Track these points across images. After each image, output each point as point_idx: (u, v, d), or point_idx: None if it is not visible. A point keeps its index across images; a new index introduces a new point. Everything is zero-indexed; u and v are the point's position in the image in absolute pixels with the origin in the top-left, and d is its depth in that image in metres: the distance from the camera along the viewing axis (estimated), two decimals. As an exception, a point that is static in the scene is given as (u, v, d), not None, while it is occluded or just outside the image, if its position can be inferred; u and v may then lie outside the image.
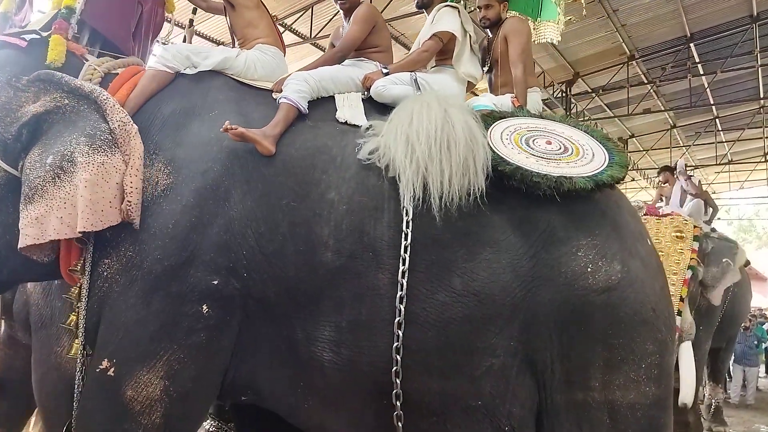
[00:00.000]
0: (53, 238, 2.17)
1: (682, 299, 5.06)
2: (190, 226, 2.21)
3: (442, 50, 3.02)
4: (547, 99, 14.05)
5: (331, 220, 2.21)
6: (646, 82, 14.17)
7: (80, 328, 2.25)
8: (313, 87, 2.62)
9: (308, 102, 2.56)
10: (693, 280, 5.21)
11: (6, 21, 3.03)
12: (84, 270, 2.25)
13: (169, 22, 3.49)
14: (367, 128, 2.42)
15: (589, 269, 2.11)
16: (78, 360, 2.27)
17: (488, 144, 2.31)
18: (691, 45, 12.62)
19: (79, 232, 2.16)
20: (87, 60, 2.65)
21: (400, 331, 2.07)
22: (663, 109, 15.70)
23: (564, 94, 14.11)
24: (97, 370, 2.18)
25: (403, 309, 2.07)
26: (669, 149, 17.87)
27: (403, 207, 2.15)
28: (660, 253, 5.15)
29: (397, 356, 2.08)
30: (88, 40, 2.84)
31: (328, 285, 2.18)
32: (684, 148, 18.95)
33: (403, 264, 2.09)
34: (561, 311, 2.10)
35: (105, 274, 2.25)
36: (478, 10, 3.24)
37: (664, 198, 8.32)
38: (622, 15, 11.20)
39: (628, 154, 18.50)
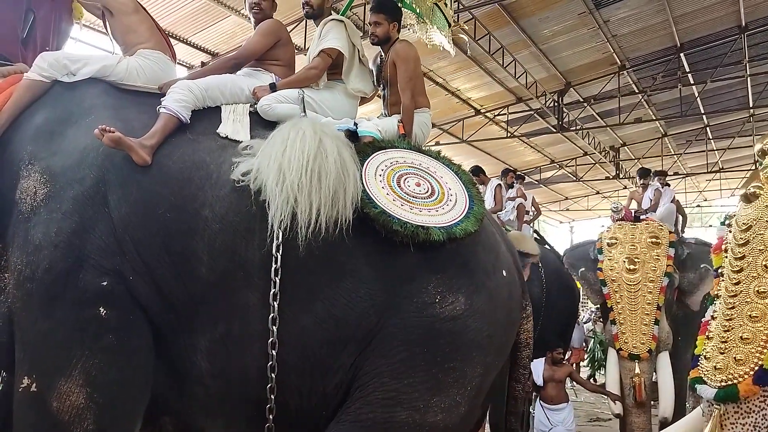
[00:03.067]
0: None
1: (659, 308, 5.08)
2: (71, 232, 2.23)
3: (333, 64, 3.01)
4: (540, 108, 14.20)
5: (205, 236, 2.25)
6: (637, 91, 14.32)
7: None
8: (198, 96, 2.61)
9: (193, 111, 2.56)
10: (669, 288, 5.23)
11: None
12: None
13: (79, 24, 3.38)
14: (245, 147, 2.42)
15: (437, 300, 2.27)
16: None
17: (361, 178, 2.40)
18: (681, 55, 12.77)
19: None
20: None
21: (273, 351, 2.18)
22: (654, 118, 15.87)
23: (556, 104, 14.23)
24: (20, 389, 2.19)
25: (275, 330, 2.18)
26: (660, 157, 18.04)
27: (273, 231, 2.20)
28: (636, 260, 5.22)
29: (272, 374, 2.19)
30: None
31: (203, 298, 2.25)
32: (675, 156, 19.12)
33: (274, 287, 2.19)
34: (408, 334, 2.24)
35: (4, 291, 2.29)
36: (369, 26, 3.22)
37: (635, 202, 8.45)
38: (612, 26, 11.35)
39: (620, 162, 18.68)
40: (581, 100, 14.67)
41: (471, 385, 2.31)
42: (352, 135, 2.74)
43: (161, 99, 2.58)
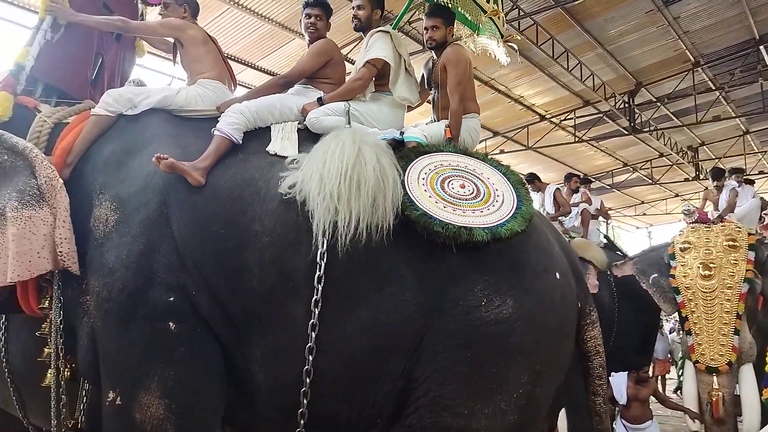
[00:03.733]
0: None
1: (738, 316, 4.70)
2: (140, 254, 2.37)
3: (379, 75, 3.04)
4: (609, 111, 13.78)
5: (256, 250, 2.32)
6: (714, 88, 13.65)
7: (53, 359, 2.49)
8: (249, 118, 2.71)
9: (245, 132, 2.67)
10: (750, 294, 4.82)
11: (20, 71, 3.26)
12: (52, 307, 2.49)
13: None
14: (291, 161, 2.50)
15: (483, 303, 2.22)
16: (52, 389, 2.50)
17: (402, 183, 2.41)
18: (761, 48, 12.07)
19: (9, 281, 2.34)
20: (39, 111, 2.86)
21: (310, 356, 2.22)
22: (734, 115, 15.04)
23: (626, 105, 13.77)
24: (107, 403, 2.34)
25: (314, 335, 2.21)
26: (743, 155, 17.04)
27: (317, 241, 2.26)
28: (711, 265, 4.86)
29: (307, 378, 2.22)
30: (42, 92, 3.07)
31: (256, 310, 2.33)
32: (759, 154, 18.03)
33: (316, 294, 2.22)
34: (452, 338, 2.21)
35: (80, 311, 2.46)
36: (425, 31, 3.24)
37: (711, 204, 7.97)
38: (683, 22, 10.91)
39: (700, 162, 17.79)
40: (654, 99, 14.15)
41: (518, 393, 2.22)
42: (399, 143, 2.77)
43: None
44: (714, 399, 4.64)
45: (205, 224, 2.40)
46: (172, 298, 2.33)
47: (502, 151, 15.40)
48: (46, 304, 2.53)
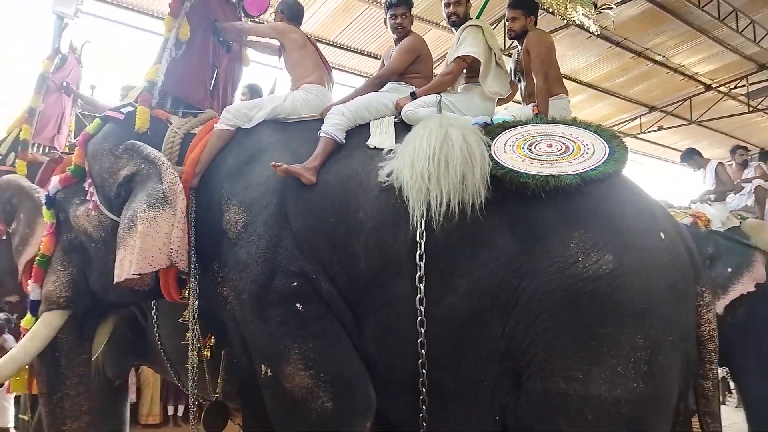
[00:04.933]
0: (124, 279, 2.71)
1: None
2: (266, 249, 2.66)
3: (471, 68, 3.21)
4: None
5: (361, 237, 2.54)
6: None
7: (190, 341, 2.92)
8: (350, 118, 2.96)
9: (346, 131, 2.91)
10: None
11: (44, 81, 3.52)
12: (191, 297, 2.88)
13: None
14: (388, 152, 2.69)
15: (579, 258, 2.18)
16: (190, 367, 2.95)
17: (488, 154, 2.50)
18: None
19: (134, 273, 2.65)
20: (171, 123, 3.18)
21: (422, 329, 2.37)
22: None
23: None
24: (263, 375, 2.67)
25: (423, 309, 2.36)
26: None
27: (415, 221, 2.41)
28: None
29: (422, 350, 2.37)
30: (171, 105, 3.39)
31: (364, 293, 2.54)
32: None
33: (420, 270, 2.37)
34: (549, 298, 2.19)
35: (221, 300, 2.81)
36: (506, 22, 3.38)
37: None
38: None
39: None
40: None
41: (635, 358, 2.11)
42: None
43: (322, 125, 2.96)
44: None
45: (318, 217, 2.66)
46: (295, 283, 2.60)
47: (660, 128, 14.16)
48: (186, 294, 2.92)
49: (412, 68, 3.32)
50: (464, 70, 3.28)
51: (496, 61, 3.22)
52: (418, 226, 2.40)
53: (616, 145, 2.53)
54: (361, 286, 2.55)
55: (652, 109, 13.91)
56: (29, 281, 3.23)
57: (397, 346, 2.49)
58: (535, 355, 2.20)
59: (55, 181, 3.20)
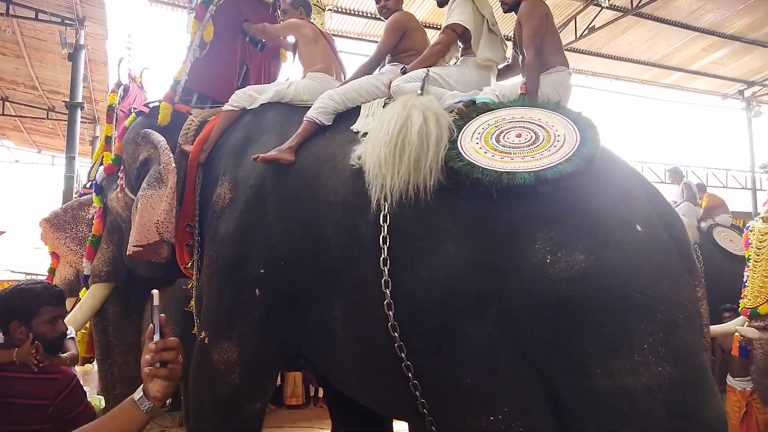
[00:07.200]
0: (132, 252, 3.01)
1: None
2: (243, 228, 2.78)
3: (464, 39, 3.05)
4: None
5: (332, 219, 2.52)
6: None
7: (194, 309, 3.08)
8: (338, 101, 2.94)
9: (339, 114, 2.92)
10: None
11: (113, 111, 3.95)
12: (194, 268, 3.08)
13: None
14: (363, 134, 2.64)
15: (548, 261, 2.05)
16: (197, 334, 3.00)
17: (448, 140, 2.40)
18: None
19: (135, 246, 2.94)
20: (191, 114, 3.44)
21: (390, 312, 2.28)
22: None
23: None
24: (199, 339, 2.86)
25: (389, 292, 2.29)
26: None
27: (379, 205, 2.35)
28: None
29: (395, 333, 2.28)
30: (197, 101, 3.64)
31: (336, 274, 2.51)
32: None
33: (383, 253, 2.31)
34: (534, 303, 2.06)
35: (202, 269, 2.99)
36: None
37: None
38: None
39: None
40: None
41: (648, 343, 1.96)
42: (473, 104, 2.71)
43: None
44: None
45: (293, 199, 2.71)
46: (263, 270, 2.71)
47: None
48: (190, 264, 3.14)
49: (403, 45, 3.25)
50: (459, 42, 3.13)
51: (489, 28, 3.06)
52: (381, 210, 2.37)
53: (589, 137, 2.32)
54: (333, 268, 2.54)
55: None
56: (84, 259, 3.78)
57: (363, 328, 2.47)
58: (550, 360, 2.06)
59: (101, 170, 3.71)
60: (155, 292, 1.40)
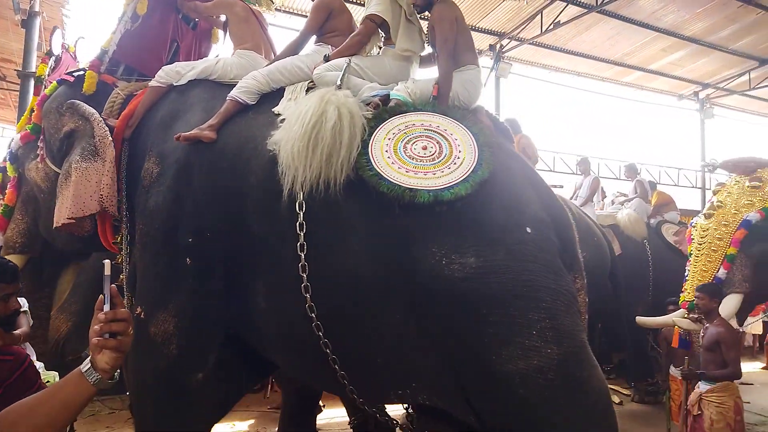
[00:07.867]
0: (62, 224, 2.96)
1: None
2: (172, 200, 2.83)
3: (385, 29, 3.10)
4: None
5: (253, 199, 2.62)
6: None
7: (125, 284, 3.07)
8: (261, 81, 2.99)
9: (265, 95, 2.97)
10: None
11: (41, 83, 3.81)
12: (122, 242, 3.11)
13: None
14: (281, 120, 2.72)
15: (443, 262, 2.26)
16: (132, 310, 2.94)
17: (365, 143, 2.52)
18: None
19: (68, 218, 2.90)
20: (117, 86, 3.43)
21: (308, 294, 2.44)
22: None
23: None
24: (135, 314, 2.83)
25: (305, 276, 2.44)
26: None
27: (294, 193, 2.47)
28: None
29: (312, 314, 2.44)
30: (123, 72, 3.64)
31: (257, 251, 2.63)
32: None
33: (299, 239, 2.45)
34: (434, 298, 2.27)
35: (134, 243, 3.00)
36: None
37: None
38: None
39: None
40: None
41: (536, 328, 2.19)
42: (388, 99, 2.81)
43: None
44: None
45: (215, 176, 2.79)
46: (191, 240, 2.78)
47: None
48: (119, 239, 3.20)
49: (328, 26, 3.31)
50: (381, 32, 3.19)
51: (407, 18, 3.09)
52: (297, 198, 2.48)
53: (485, 158, 2.50)
54: (253, 245, 2.65)
55: (763, 62, 12.48)
56: None
57: (281, 304, 2.59)
58: (455, 349, 2.27)
59: (16, 138, 3.62)
60: (107, 261, 1.37)
